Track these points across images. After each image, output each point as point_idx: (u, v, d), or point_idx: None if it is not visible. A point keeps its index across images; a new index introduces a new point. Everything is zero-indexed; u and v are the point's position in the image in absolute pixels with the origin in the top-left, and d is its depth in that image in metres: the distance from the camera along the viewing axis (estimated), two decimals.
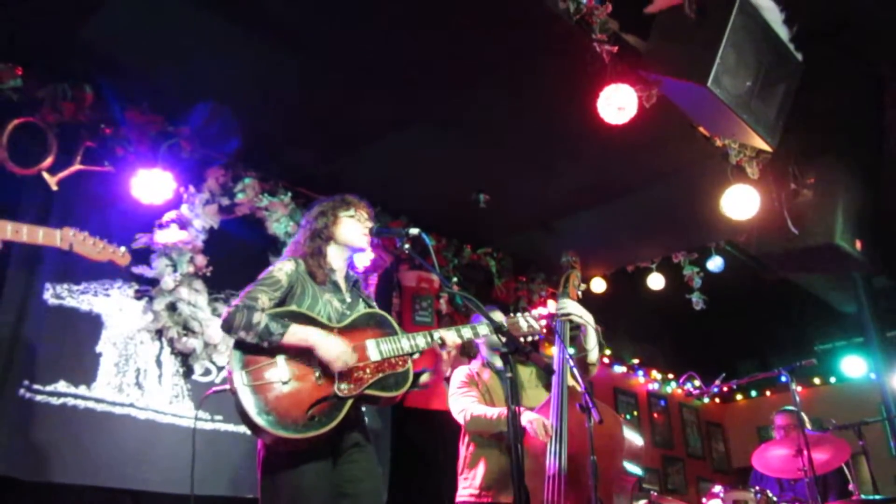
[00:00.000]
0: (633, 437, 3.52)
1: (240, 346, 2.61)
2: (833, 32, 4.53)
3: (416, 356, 2.87)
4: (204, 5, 3.59)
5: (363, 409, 2.89)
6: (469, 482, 3.59)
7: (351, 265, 3.13)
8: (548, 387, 3.81)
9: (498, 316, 3.45)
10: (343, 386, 2.63)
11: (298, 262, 2.90)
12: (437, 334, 2.87)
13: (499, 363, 3.82)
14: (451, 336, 2.89)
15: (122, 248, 3.14)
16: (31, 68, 3.86)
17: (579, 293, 3.79)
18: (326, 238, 2.97)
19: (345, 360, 2.64)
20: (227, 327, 2.62)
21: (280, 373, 2.59)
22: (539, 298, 6.56)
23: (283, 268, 2.84)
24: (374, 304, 3.10)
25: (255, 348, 2.60)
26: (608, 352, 8.72)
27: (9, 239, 2.79)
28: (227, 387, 2.61)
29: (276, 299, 2.75)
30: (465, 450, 3.71)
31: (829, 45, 4.55)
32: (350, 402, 2.63)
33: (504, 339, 2.67)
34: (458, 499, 3.62)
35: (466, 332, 2.95)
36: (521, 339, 3.32)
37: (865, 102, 5.26)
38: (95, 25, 3.69)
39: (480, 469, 3.56)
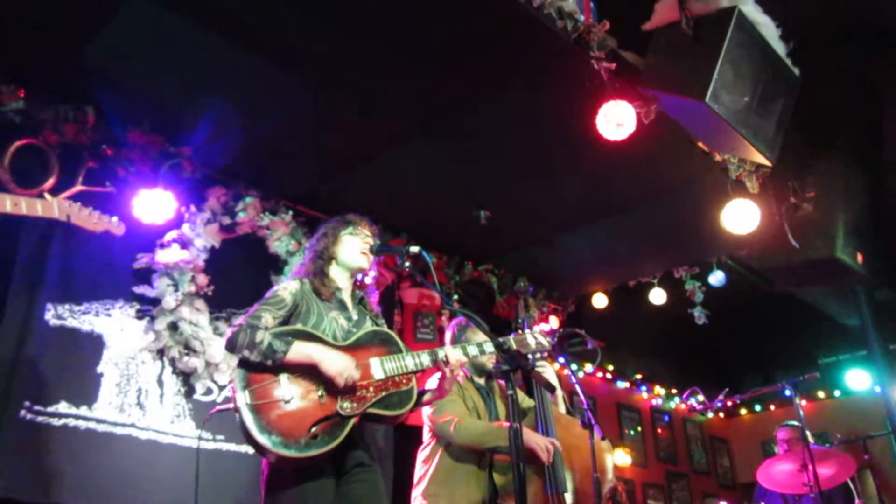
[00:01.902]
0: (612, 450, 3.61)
1: (244, 364, 2.61)
2: (830, 46, 4.56)
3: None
4: (205, 26, 3.62)
5: (368, 427, 2.87)
6: (433, 499, 3.41)
7: (370, 286, 3.14)
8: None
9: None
10: (346, 405, 2.62)
11: (304, 281, 2.91)
12: (441, 352, 2.85)
13: (480, 379, 3.77)
14: (455, 354, 2.86)
15: (115, 218, 3.20)
16: (33, 90, 3.88)
17: (537, 315, 3.87)
18: (328, 258, 2.99)
19: (348, 376, 2.62)
20: (231, 347, 2.63)
21: (283, 391, 2.59)
22: (541, 314, 6.55)
23: (287, 287, 2.86)
24: (382, 320, 3.10)
25: (259, 367, 2.60)
26: (610, 367, 8.70)
27: (8, 212, 2.83)
28: (231, 405, 2.61)
29: (280, 318, 2.75)
30: (430, 462, 3.52)
31: (827, 59, 4.58)
32: (353, 421, 2.62)
33: (506, 357, 2.67)
34: None
35: (472, 350, 2.93)
36: (529, 356, 3.30)
37: (864, 115, 5.29)
38: (97, 47, 3.71)
39: (449, 486, 3.42)
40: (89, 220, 3.07)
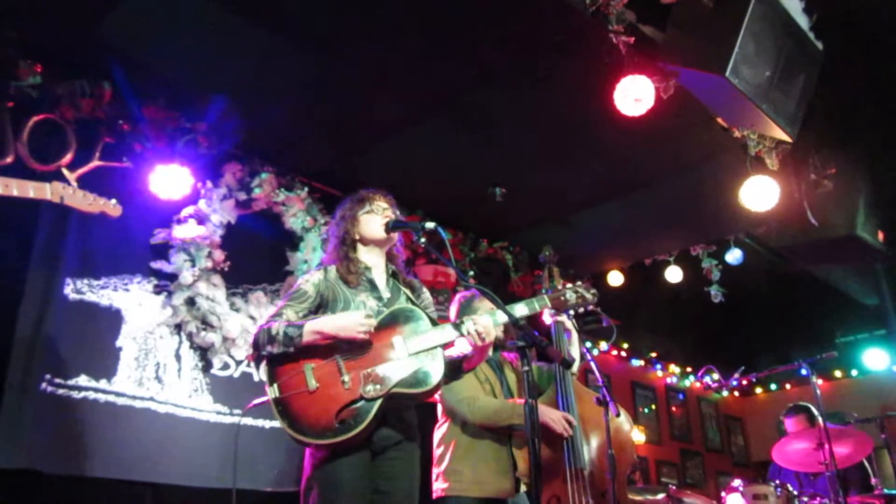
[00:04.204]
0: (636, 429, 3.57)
1: (270, 361, 2.68)
2: (853, 19, 4.47)
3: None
4: (221, 2, 3.60)
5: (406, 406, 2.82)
6: (455, 476, 3.44)
7: (390, 252, 3.10)
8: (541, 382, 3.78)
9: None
10: (369, 388, 2.63)
11: (328, 269, 2.91)
12: (469, 322, 2.73)
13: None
14: (484, 321, 2.73)
15: (113, 201, 3.13)
16: (50, 65, 3.89)
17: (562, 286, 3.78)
18: (351, 242, 2.96)
19: (365, 325, 2.62)
20: (256, 347, 2.70)
21: (308, 381, 2.64)
22: (563, 285, 6.52)
23: (309, 279, 2.87)
24: (421, 291, 3.05)
25: (283, 358, 2.65)
26: (625, 345, 8.69)
27: (0, 194, 2.77)
28: (268, 399, 2.67)
29: (304, 310, 2.79)
30: (448, 441, 3.53)
31: (850, 33, 4.48)
32: (379, 402, 2.62)
33: (521, 333, 2.65)
34: (449, 492, 3.43)
35: (500, 317, 2.77)
36: (572, 312, 3.17)
37: (886, 91, 5.19)
38: (113, 22, 3.71)
39: (471, 462, 3.44)
40: (83, 201, 3.00)
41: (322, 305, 2.83)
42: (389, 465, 2.72)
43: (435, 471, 3.55)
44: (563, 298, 2.90)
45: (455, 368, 2.85)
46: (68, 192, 2.95)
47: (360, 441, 2.61)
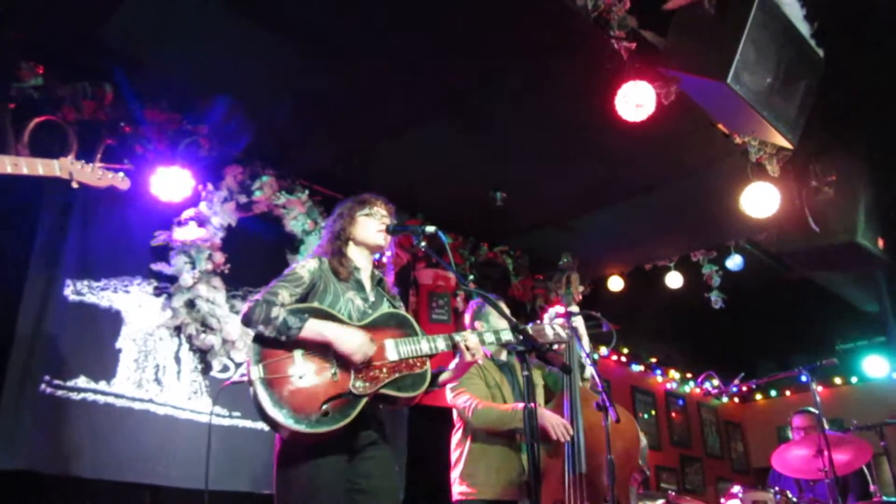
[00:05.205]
0: (642, 436, 3.58)
1: (258, 339, 2.63)
2: (854, 27, 4.48)
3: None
4: (224, 5, 3.61)
5: (381, 408, 2.87)
6: (470, 479, 3.47)
7: (388, 264, 3.14)
8: (551, 385, 3.79)
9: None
10: (358, 384, 2.63)
11: (322, 260, 2.92)
12: (457, 337, 2.81)
13: (502, 355, 3.76)
14: (472, 339, 2.81)
15: (121, 174, 3.14)
16: (52, 67, 3.90)
17: (579, 294, 3.79)
18: (345, 239, 2.99)
19: (364, 352, 2.63)
20: (247, 321, 2.65)
21: (296, 368, 2.60)
22: (556, 297, 6.54)
23: (306, 265, 2.87)
24: (400, 302, 3.09)
25: (273, 342, 2.61)
26: (625, 350, 8.69)
27: (8, 173, 2.78)
28: (244, 379, 2.62)
29: (297, 295, 2.77)
30: (462, 445, 3.56)
31: (850, 40, 4.49)
32: (364, 400, 2.63)
33: (521, 338, 2.66)
34: (458, 497, 3.47)
35: (489, 337, 2.89)
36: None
37: (887, 98, 5.20)
38: (115, 24, 3.72)
39: (483, 465, 3.46)
40: (92, 176, 3.00)
41: (312, 293, 2.82)
42: (367, 465, 2.72)
43: (452, 475, 3.58)
44: (544, 331, 2.96)
45: (433, 380, 2.86)
46: (76, 168, 2.95)
47: (337, 437, 2.59)
